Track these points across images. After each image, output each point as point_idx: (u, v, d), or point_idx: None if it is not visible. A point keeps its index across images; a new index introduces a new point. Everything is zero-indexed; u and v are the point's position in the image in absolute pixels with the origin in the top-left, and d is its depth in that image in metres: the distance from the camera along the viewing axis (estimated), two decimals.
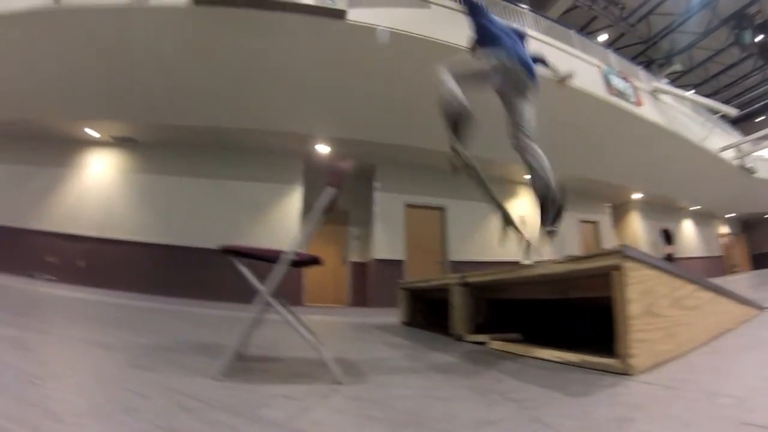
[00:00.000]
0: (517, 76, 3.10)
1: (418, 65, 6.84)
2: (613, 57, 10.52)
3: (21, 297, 5.01)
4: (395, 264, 9.52)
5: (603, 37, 15.62)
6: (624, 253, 1.88)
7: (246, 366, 2.04)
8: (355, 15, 6.39)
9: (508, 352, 2.68)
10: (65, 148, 9.44)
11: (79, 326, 3.35)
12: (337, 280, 10.15)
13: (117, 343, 2.56)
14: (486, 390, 1.73)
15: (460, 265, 9.51)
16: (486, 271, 3.34)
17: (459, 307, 3.47)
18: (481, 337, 3.18)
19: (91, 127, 8.89)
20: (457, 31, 7.08)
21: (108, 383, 1.62)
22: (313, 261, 2.14)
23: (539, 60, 3.53)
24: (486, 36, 3.24)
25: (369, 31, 6.48)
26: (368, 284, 9.67)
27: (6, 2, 7.14)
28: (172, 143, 9.31)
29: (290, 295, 8.34)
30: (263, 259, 2.03)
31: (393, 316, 5.31)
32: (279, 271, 1.93)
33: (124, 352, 2.30)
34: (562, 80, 3.62)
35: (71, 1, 6.68)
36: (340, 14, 6.16)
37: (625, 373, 1.75)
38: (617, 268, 1.88)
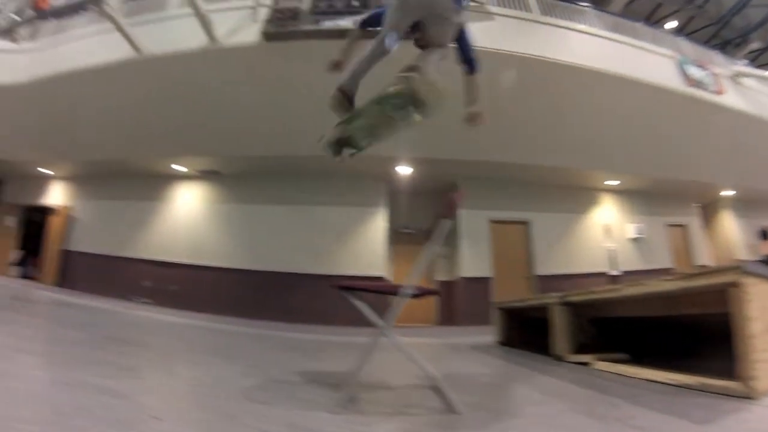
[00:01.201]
0: None
1: (490, 80, 6.87)
2: (685, 44, 9.85)
3: (126, 322, 5.41)
4: (482, 281, 9.41)
5: (671, 25, 14.73)
6: (743, 268, 1.80)
7: (357, 396, 2.05)
8: None
9: (615, 374, 2.60)
10: (156, 183, 10.39)
11: (188, 354, 3.52)
12: (425, 300, 10.07)
13: (229, 375, 2.61)
14: (604, 416, 1.70)
15: (546, 280, 9.37)
16: (589, 290, 3.27)
17: (560, 326, 3.39)
18: (584, 358, 3.10)
19: (178, 163, 9.65)
20: (524, 40, 7.08)
21: (231, 420, 1.61)
22: (432, 293, 2.18)
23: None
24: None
25: None
26: (455, 303, 9.57)
27: (96, 57, 7.97)
28: (254, 173, 9.78)
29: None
30: (381, 293, 2.10)
31: (485, 335, 5.27)
32: (398, 304, 1.96)
33: (239, 384, 2.29)
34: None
35: (153, 51, 7.31)
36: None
37: (747, 396, 1.66)
38: (735, 284, 1.80)
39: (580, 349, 3.26)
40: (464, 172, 9.50)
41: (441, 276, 9.96)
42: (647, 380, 2.30)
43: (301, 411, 1.78)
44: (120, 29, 7.06)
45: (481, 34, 6.79)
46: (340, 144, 2.71)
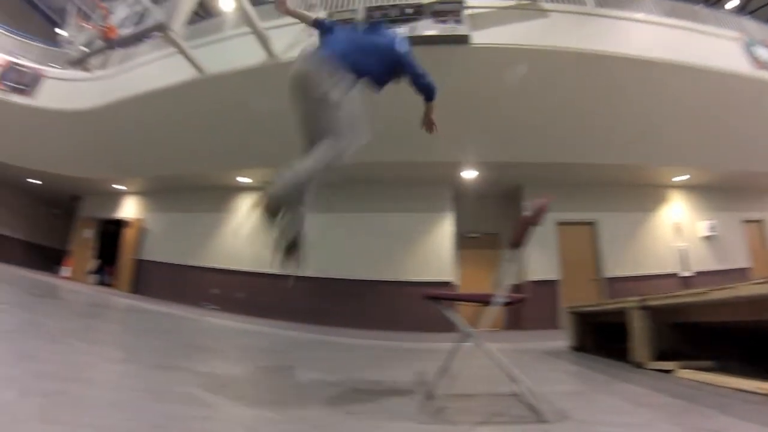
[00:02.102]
0: None
1: (549, 77, 6.77)
2: (751, 24, 9.18)
3: (199, 328, 5.61)
4: (549, 284, 9.22)
5: (732, 4, 13.78)
6: None
7: (442, 405, 2.02)
8: (479, 38, 6.45)
9: (701, 382, 2.48)
10: (223, 195, 10.92)
11: (264, 361, 3.62)
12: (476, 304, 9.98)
13: (310, 384, 2.63)
14: (697, 428, 1.63)
15: (614, 282, 9.06)
16: (671, 293, 3.14)
17: (639, 331, 3.26)
18: (666, 365, 2.97)
19: (242, 175, 10.04)
20: (580, 35, 6.89)
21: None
22: (522, 300, 2.16)
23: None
24: None
25: (495, 51, 6.50)
26: (523, 306, 9.31)
27: (161, 80, 8.49)
28: (318, 183, 9.91)
29: (441, 322, 8.49)
30: (473, 302, 2.11)
31: (555, 340, 5.16)
32: (491, 313, 1.97)
33: (323, 393, 2.28)
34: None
35: (214, 70, 7.65)
36: (463, 39, 6.28)
37: None
38: None
39: (661, 355, 3.13)
40: (529, 174, 9.33)
41: (509, 280, 9.74)
42: (735, 389, 2.20)
43: (390, 422, 1.77)
44: (183, 52, 7.42)
45: (536, 32, 6.74)
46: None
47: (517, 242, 2.19)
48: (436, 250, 9.52)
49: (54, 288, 8.08)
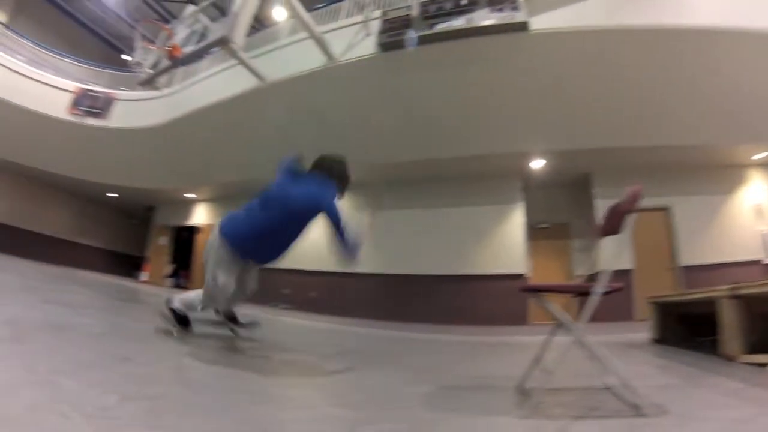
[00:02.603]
0: None
1: (612, 58, 6.47)
2: None
3: (277, 329, 5.75)
4: (622, 274, 8.58)
5: None
6: None
7: (537, 399, 1.93)
8: (538, 23, 6.26)
9: None
10: None
11: (347, 360, 3.55)
12: (563, 296, 9.64)
13: (398, 382, 2.58)
14: None
15: (691, 271, 8.53)
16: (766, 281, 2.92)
17: (730, 323, 3.06)
18: (760, 358, 2.77)
19: None
20: (637, 10, 6.47)
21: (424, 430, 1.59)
22: (620, 290, 2.08)
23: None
24: None
25: (555, 36, 6.27)
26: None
27: (224, 91, 8.85)
28: (389, 180, 10.05)
29: (514, 315, 8.31)
30: (571, 293, 2.05)
31: (633, 332, 5.01)
32: (592, 303, 1.89)
33: (414, 391, 2.25)
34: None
35: (276, 77, 7.85)
36: (522, 27, 6.11)
37: None
38: None
39: (753, 348, 2.92)
40: (598, 160, 8.95)
41: (580, 270, 9.48)
42: None
43: (489, 417, 1.76)
44: (243, 63, 7.67)
45: (596, 12, 6.42)
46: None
47: (611, 230, 2.10)
48: (507, 243, 9.36)
49: (135, 292, 8.59)
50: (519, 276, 8.92)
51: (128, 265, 16.34)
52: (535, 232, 9.72)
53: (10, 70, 12.16)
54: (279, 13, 10.34)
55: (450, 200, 9.71)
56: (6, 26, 13.94)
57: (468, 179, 9.58)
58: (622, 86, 6.96)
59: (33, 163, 13.78)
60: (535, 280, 8.87)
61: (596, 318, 6.07)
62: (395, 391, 2.31)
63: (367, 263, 9.47)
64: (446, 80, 7.10)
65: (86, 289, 6.28)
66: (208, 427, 1.32)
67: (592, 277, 6.41)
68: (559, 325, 2.09)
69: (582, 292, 1.97)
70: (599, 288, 1.88)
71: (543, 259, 9.42)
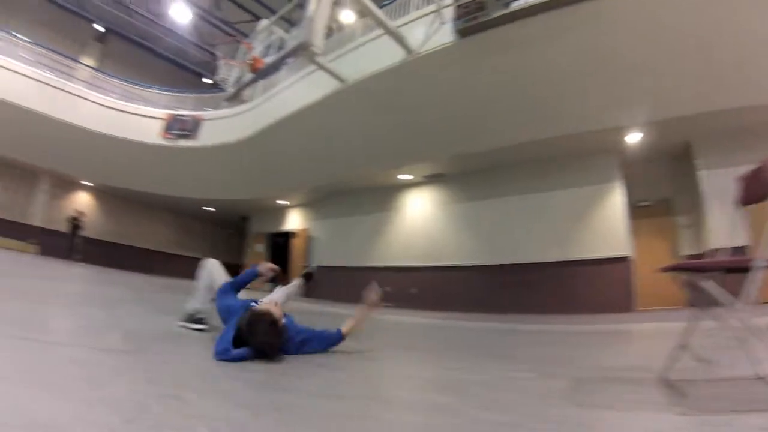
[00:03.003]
0: None
1: (698, 12, 5.85)
2: None
3: (380, 327, 5.67)
4: (738, 251, 7.77)
5: None
6: None
7: (685, 391, 1.80)
8: None
9: None
10: (384, 195, 11.31)
11: (465, 355, 3.40)
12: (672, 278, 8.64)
13: (525, 376, 2.47)
14: None
15: None
16: None
17: None
18: None
19: (403, 173, 10.27)
20: None
21: (589, 429, 1.50)
22: None
23: None
24: None
25: None
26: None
27: (306, 97, 9.10)
28: (478, 169, 9.81)
29: (619, 301, 7.87)
30: (729, 270, 1.83)
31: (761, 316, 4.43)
32: (754, 279, 1.65)
33: (550, 385, 2.17)
34: None
35: (356, 77, 7.96)
36: None
37: None
38: None
39: None
40: (698, 127, 8.05)
41: (687, 249, 8.58)
42: None
43: (646, 413, 1.61)
44: (323, 67, 7.87)
45: None
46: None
47: (754, 198, 1.87)
48: (608, 224, 8.69)
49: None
50: (622, 259, 8.28)
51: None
52: (636, 210, 8.95)
53: (106, 107, 13.52)
54: (347, 16, 10.48)
55: (544, 184, 9.20)
56: (96, 69, 15.62)
57: (561, 160, 9.04)
58: (715, 42, 6.22)
59: (135, 186, 15.24)
60: (639, 263, 8.22)
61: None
62: (530, 388, 2.15)
63: (465, 255, 9.36)
64: (528, 59, 6.80)
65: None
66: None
67: (703, 256, 5.90)
68: (706, 309, 1.91)
69: (736, 268, 1.74)
70: (761, 262, 1.65)
71: (646, 239, 8.68)
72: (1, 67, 12.16)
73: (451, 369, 2.68)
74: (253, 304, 2.77)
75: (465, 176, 9.86)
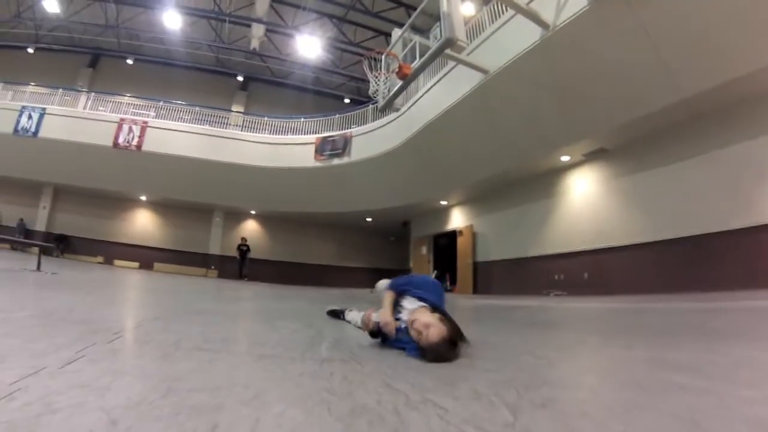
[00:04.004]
0: None
1: None
2: None
3: (581, 316, 5.36)
4: None
5: None
6: None
7: None
8: None
9: None
10: (543, 181, 10.80)
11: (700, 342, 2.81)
12: None
13: None
14: None
15: None
16: None
17: None
18: None
19: (563, 154, 9.67)
20: None
21: None
22: None
23: None
24: None
25: None
26: None
27: (449, 97, 9.39)
28: (642, 137, 8.47)
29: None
30: None
31: None
32: None
33: None
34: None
35: (497, 65, 8.06)
36: None
37: None
38: None
39: None
40: None
41: None
42: None
43: None
44: (464, 62, 8.13)
45: None
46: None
47: None
48: None
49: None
50: None
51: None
52: None
53: (261, 143, 15.74)
54: (466, 9, 10.66)
55: (714, 140, 7.51)
56: (245, 113, 18.47)
57: (734, 109, 7.25)
58: None
59: (300, 209, 17.06)
60: None
61: None
62: None
63: (635, 232, 8.54)
64: (669, 12, 6.08)
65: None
66: None
67: None
68: None
69: None
70: None
71: None
72: (172, 130, 15.31)
73: (684, 351, 2.37)
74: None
75: (629, 147, 8.86)
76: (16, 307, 2.79)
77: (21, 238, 13.81)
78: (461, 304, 7.93)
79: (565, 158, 9.82)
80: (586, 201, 9.73)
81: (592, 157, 9.53)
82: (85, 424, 0.97)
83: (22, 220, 16.41)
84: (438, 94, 10.00)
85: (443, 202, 14.59)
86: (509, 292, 11.11)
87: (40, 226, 16.80)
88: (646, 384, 1.61)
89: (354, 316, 3.50)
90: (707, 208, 7.41)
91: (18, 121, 14.62)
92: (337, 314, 3.98)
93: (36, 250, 9.53)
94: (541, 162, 10.12)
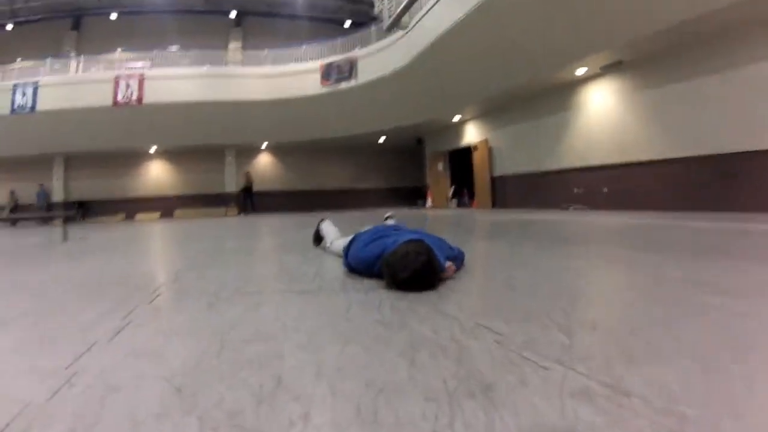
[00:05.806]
0: None
1: None
2: None
3: (587, 228, 5.36)
4: None
5: None
6: None
7: None
8: None
9: None
10: (559, 94, 10.36)
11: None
12: None
13: None
14: None
15: None
16: None
17: None
18: None
19: (580, 66, 9.10)
20: None
21: None
22: None
23: None
24: None
25: None
26: None
27: (456, 13, 8.85)
28: (661, 48, 7.88)
29: None
30: None
31: None
32: None
33: None
34: None
35: None
36: None
37: None
38: None
39: None
40: None
41: None
42: None
43: None
44: None
45: None
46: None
47: None
48: None
49: (430, 216, 9.30)
50: None
51: (410, 196, 18.78)
52: None
53: (263, 76, 15.36)
54: None
55: (741, 55, 6.90)
56: (243, 49, 18.07)
57: (760, 22, 6.58)
58: None
59: (311, 136, 16.85)
60: None
61: None
62: None
63: (656, 148, 8.29)
64: None
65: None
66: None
67: None
68: None
69: None
70: None
71: None
72: (170, 78, 15.02)
73: (715, 271, 2.31)
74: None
75: (646, 60, 8.30)
76: (56, 280, 2.78)
77: (44, 208, 13.90)
78: (481, 219, 8.03)
79: (581, 71, 9.31)
80: (604, 114, 9.42)
81: (608, 69, 9.03)
82: (153, 399, 0.95)
83: (42, 185, 16.75)
84: (442, 13, 9.45)
85: (457, 118, 14.21)
86: (528, 206, 11.22)
87: (57, 196, 17.25)
88: (685, 304, 1.63)
89: (339, 244, 3.19)
90: (730, 127, 7.09)
91: (13, 100, 14.46)
92: (319, 240, 3.89)
93: (59, 221, 9.56)
94: (558, 75, 9.64)
